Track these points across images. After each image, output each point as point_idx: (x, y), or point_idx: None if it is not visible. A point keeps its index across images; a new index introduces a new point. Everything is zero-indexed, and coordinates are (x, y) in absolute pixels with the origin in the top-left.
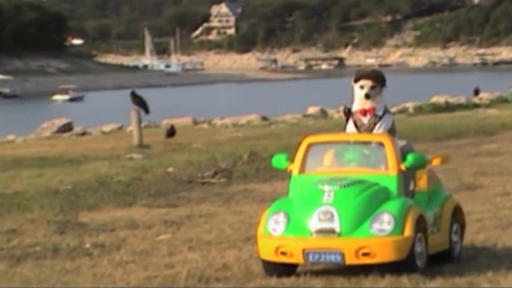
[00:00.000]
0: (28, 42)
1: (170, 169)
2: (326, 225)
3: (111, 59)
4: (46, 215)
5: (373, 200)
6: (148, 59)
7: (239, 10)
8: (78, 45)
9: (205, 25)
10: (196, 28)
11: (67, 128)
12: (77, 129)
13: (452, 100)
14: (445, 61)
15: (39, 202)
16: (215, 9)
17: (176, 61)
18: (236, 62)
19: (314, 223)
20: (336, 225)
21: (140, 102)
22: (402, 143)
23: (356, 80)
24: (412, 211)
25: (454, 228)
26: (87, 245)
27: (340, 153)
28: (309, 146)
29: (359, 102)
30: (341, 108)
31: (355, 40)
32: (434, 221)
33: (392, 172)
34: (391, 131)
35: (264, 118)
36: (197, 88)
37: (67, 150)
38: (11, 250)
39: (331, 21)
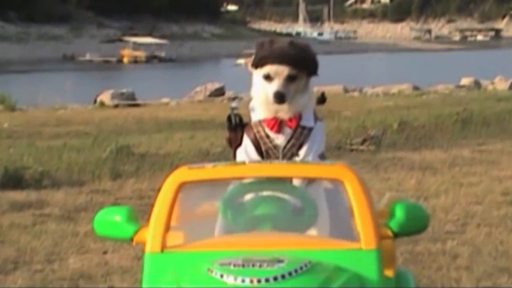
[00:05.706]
0: (185, 7)
1: None
2: None
3: (264, 26)
4: None
5: None
6: (301, 27)
7: None
8: (233, 11)
9: None
10: None
11: (219, 92)
12: (229, 93)
13: None
14: None
15: (191, 163)
16: None
17: (329, 29)
18: (389, 32)
19: None
20: None
21: None
22: None
23: (257, 64)
24: None
25: None
26: None
27: (249, 203)
28: (181, 187)
29: (264, 106)
30: (493, 80)
31: None
32: None
33: (369, 243)
34: (322, 156)
35: (416, 88)
36: (349, 57)
37: (218, 114)
38: None
39: None
